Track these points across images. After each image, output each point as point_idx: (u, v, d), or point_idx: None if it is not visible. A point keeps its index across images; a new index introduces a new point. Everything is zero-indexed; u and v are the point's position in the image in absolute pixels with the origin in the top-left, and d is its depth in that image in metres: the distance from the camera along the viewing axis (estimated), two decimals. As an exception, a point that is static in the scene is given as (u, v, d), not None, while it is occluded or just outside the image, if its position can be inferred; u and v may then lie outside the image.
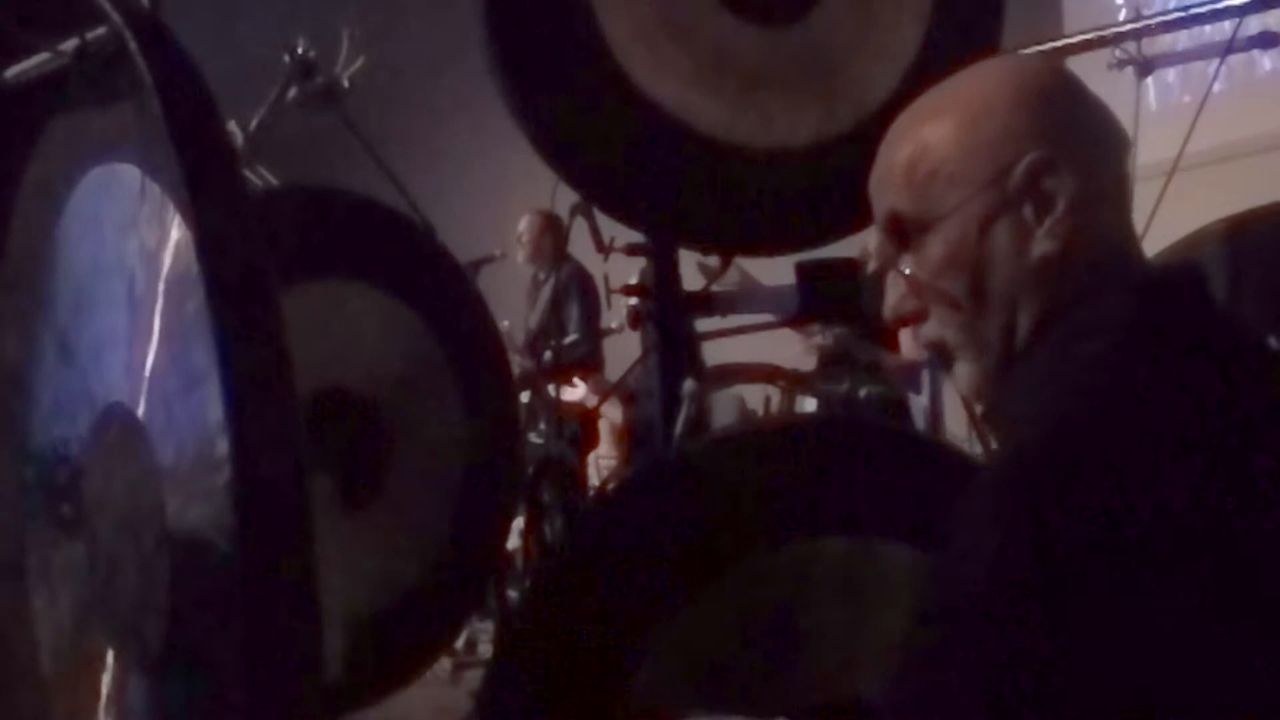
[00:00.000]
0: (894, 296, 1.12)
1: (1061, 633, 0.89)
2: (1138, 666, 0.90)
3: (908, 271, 1.10)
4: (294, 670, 1.36)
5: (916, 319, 1.12)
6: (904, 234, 1.10)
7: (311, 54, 2.86)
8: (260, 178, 3.03)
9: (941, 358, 1.13)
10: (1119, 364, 1.00)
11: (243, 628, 1.34)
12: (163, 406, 1.50)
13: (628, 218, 2.01)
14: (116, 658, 1.62)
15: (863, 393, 3.45)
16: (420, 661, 2.72)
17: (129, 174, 1.56)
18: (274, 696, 1.35)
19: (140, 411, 1.54)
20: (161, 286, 1.49)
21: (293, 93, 2.86)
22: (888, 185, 1.11)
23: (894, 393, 4.06)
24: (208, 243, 1.36)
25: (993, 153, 1.06)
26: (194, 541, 1.42)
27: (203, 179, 1.38)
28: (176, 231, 1.45)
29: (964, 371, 1.10)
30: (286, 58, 2.85)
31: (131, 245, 1.57)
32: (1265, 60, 4.32)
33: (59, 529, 1.75)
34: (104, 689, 1.63)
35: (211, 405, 1.34)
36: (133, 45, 1.40)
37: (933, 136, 1.08)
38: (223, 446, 1.32)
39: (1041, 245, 1.04)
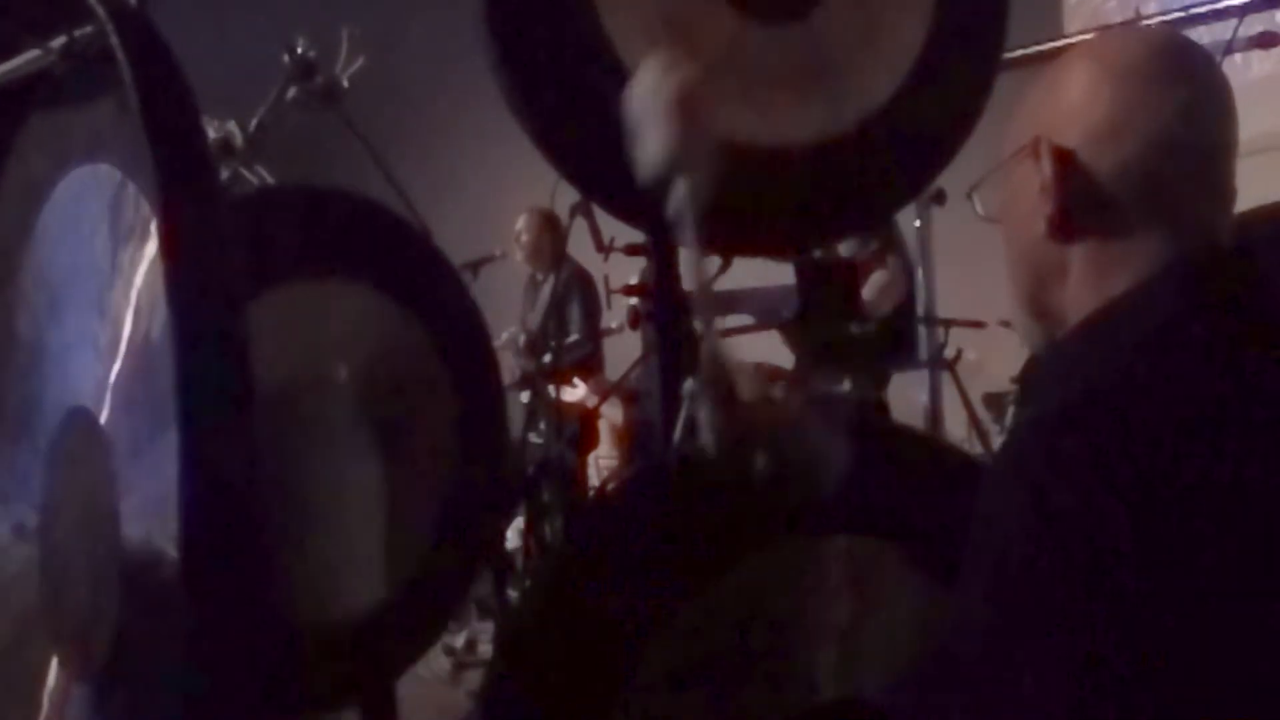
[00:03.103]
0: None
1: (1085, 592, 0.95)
2: (1153, 624, 0.94)
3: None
4: (238, 685, 1.35)
5: None
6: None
7: (311, 54, 2.86)
8: (259, 177, 3.03)
9: None
10: (1147, 351, 1.08)
11: (187, 642, 1.33)
12: (125, 416, 1.48)
13: (629, 216, 2.00)
14: (61, 668, 1.60)
15: (841, 389, 3.45)
16: (407, 661, 2.72)
17: (110, 175, 1.54)
18: (217, 710, 1.35)
19: (104, 418, 1.52)
20: (134, 295, 1.47)
21: (293, 92, 2.86)
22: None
23: (875, 394, 4.05)
24: (176, 262, 1.35)
25: (1042, 127, 1.17)
26: (145, 553, 1.40)
27: (176, 185, 1.36)
28: (153, 238, 1.43)
29: (1012, 289, 1.23)
30: (286, 58, 2.85)
31: (107, 248, 1.55)
32: (1264, 61, 4.32)
33: (17, 531, 1.73)
34: (45, 700, 1.60)
35: (171, 421, 1.33)
36: (114, 40, 1.39)
37: (1033, 91, 1.21)
38: (175, 464, 1.31)
39: (1043, 213, 1.15)
